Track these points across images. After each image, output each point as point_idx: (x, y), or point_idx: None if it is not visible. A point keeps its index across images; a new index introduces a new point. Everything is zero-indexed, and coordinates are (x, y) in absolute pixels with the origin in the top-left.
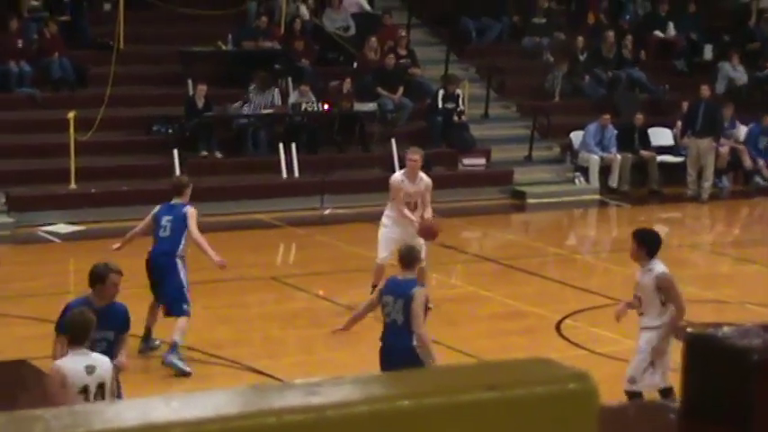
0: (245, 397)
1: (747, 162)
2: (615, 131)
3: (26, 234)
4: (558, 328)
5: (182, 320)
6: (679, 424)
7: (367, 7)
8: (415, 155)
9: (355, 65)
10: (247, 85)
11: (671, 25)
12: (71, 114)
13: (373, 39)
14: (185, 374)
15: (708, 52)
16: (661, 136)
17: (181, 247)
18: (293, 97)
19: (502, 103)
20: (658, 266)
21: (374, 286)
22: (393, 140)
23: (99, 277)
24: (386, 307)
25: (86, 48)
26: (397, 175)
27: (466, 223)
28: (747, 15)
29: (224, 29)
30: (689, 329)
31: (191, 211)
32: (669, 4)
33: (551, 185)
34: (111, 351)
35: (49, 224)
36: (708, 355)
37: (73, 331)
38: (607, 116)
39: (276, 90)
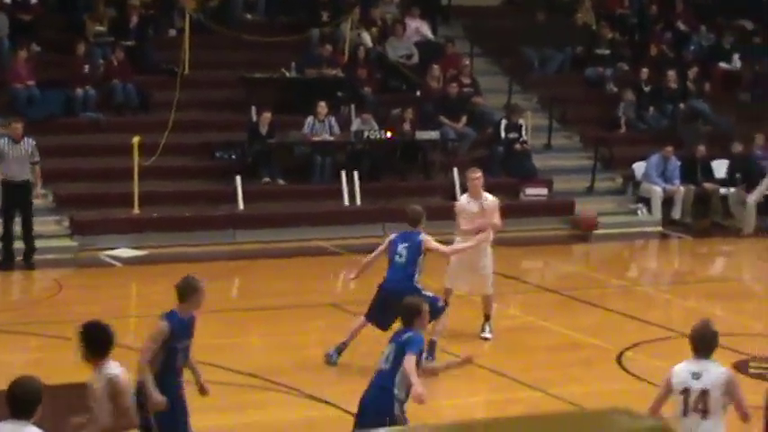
0: None
1: None
2: (678, 163)
3: (88, 258)
4: (618, 359)
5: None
6: None
7: (430, 36)
8: (476, 173)
9: (418, 93)
10: (311, 112)
11: (736, 57)
12: (135, 139)
13: (436, 67)
14: None
15: None
16: (723, 168)
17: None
18: (355, 125)
19: (564, 134)
20: None
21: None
22: (455, 169)
23: (193, 288)
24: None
25: (150, 73)
26: (461, 197)
27: (527, 253)
28: None
29: (288, 56)
30: None
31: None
32: (734, 36)
33: (613, 216)
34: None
35: (112, 248)
36: None
37: None
38: (670, 148)
39: (333, 118)
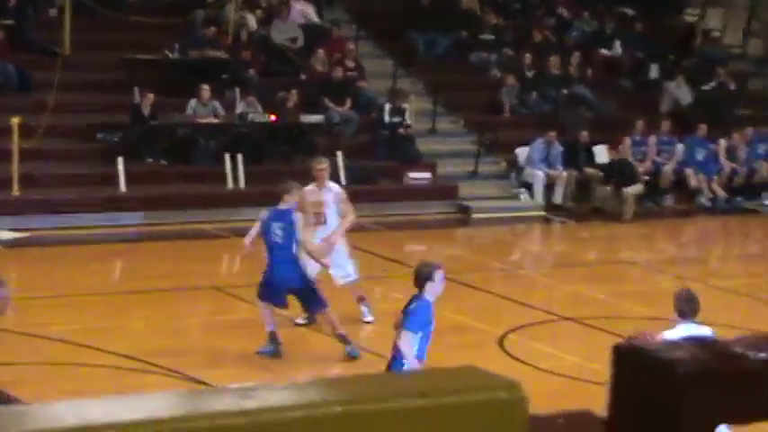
0: (180, 400)
1: (692, 181)
2: (561, 148)
3: None
4: (500, 342)
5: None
6: None
7: (315, 19)
8: (322, 163)
9: (303, 76)
10: (194, 94)
11: (617, 43)
12: (15, 120)
13: (321, 51)
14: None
15: (654, 71)
16: (605, 153)
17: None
18: (239, 107)
19: (449, 118)
20: None
21: None
22: (339, 153)
23: None
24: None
25: (31, 53)
26: (307, 187)
27: (410, 237)
28: (693, 35)
29: (171, 37)
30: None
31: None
32: (615, 23)
33: (496, 200)
34: None
35: None
36: (635, 366)
37: None
38: (553, 133)
39: (216, 102)
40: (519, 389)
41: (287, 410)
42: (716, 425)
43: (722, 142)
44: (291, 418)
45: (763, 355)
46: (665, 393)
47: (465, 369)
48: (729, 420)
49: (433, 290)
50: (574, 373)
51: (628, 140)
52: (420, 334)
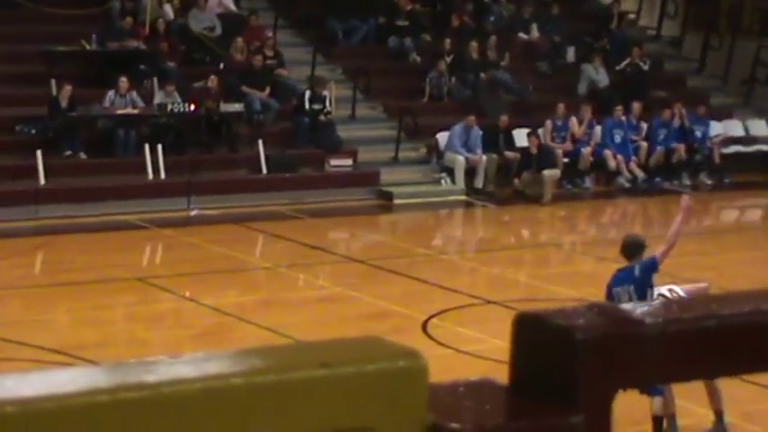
0: (81, 375)
1: (611, 163)
2: (480, 132)
3: None
4: (424, 327)
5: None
6: (507, 400)
7: (232, 8)
8: None
9: (222, 65)
10: (113, 86)
11: (534, 27)
12: None
13: (239, 39)
14: None
15: (571, 54)
16: (524, 137)
17: None
18: (158, 98)
19: (369, 104)
20: None
21: None
22: (260, 141)
23: None
24: None
25: None
26: None
27: (333, 224)
28: (609, 18)
29: (88, 28)
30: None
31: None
32: (533, 7)
33: (418, 186)
34: None
35: None
36: (534, 333)
37: None
38: (472, 117)
39: (135, 92)
40: (419, 357)
41: (187, 383)
42: (614, 391)
43: (639, 124)
44: (192, 390)
45: (660, 319)
46: (563, 360)
47: (367, 339)
48: (628, 386)
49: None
50: (499, 357)
51: (549, 124)
52: None
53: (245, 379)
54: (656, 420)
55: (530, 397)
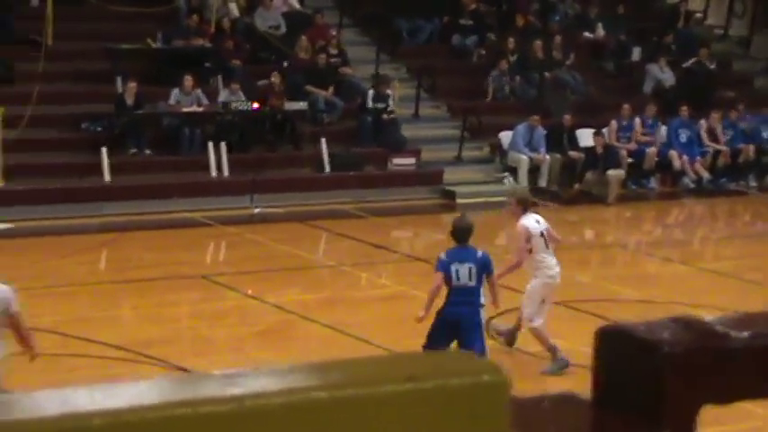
0: (165, 388)
1: (676, 163)
2: (544, 132)
3: None
4: (487, 327)
5: None
6: (590, 415)
7: (297, 6)
8: None
9: (286, 64)
10: (177, 84)
11: (600, 26)
12: None
13: (304, 38)
14: None
15: (636, 54)
16: (589, 137)
17: None
18: (223, 96)
19: (432, 103)
20: None
21: None
22: (323, 140)
23: None
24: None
25: (13, 43)
26: None
27: (396, 223)
28: (676, 17)
29: (154, 26)
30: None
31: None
32: (598, 6)
33: (481, 185)
34: None
35: None
36: (618, 347)
37: None
38: (536, 117)
39: (199, 90)
40: (501, 372)
41: (270, 397)
42: (698, 406)
43: (704, 124)
44: (276, 404)
45: (745, 334)
46: (648, 375)
47: (451, 353)
48: (713, 401)
49: None
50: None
51: (614, 123)
52: None
53: (329, 393)
54: None
55: (613, 412)
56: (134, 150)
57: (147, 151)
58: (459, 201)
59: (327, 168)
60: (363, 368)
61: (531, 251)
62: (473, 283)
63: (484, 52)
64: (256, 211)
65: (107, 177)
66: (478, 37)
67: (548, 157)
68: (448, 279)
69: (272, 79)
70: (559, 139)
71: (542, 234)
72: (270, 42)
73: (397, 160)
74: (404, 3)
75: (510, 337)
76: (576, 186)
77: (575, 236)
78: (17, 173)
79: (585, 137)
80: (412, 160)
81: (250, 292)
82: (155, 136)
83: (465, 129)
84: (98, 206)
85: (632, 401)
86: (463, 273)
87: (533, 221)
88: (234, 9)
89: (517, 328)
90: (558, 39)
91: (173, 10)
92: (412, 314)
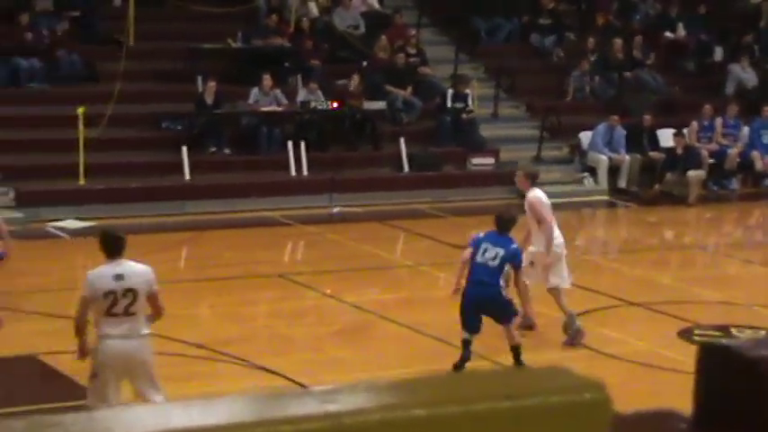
0: (263, 404)
1: (759, 164)
2: (624, 132)
3: (35, 229)
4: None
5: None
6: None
7: (377, 6)
8: None
9: (365, 63)
10: (257, 83)
11: (681, 26)
12: (80, 110)
13: (383, 37)
14: None
15: (718, 53)
16: (670, 137)
17: None
18: (302, 95)
19: (511, 103)
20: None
21: None
22: (402, 139)
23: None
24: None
25: (96, 43)
26: None
27: (475, 223)
28: (758, 16)
29: (234, 26)
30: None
31: None
32: (680, 5)
33: (560, 185)
34: None
35: (59, 220)
36: (720, 364)
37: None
38: (616, 117)
39: (279, 90)
40: (603, 389)
41: (370, 413)
42: None
43: None
44: (374, 421)
45: None
46: (750, 392)
47: (550, 369)
48: None
49: None
50: (641, 359)
51: (695, 124)
52: None
53: (428, 410)
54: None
55: (715, 429)
56: (213, 149)
57: (227, 150)
58: None
59: (406, 168)
60: (461, 385)
61: (539, 222)
62: (495, 264)
63: (562, 54)
64: (335, 210)
65: (187, 176)
66: (557, 36)
67: (627, 157)
68: (474, 255)
69: (351, 81)
70: (639, 140)
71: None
72: (349, 42)
73: (475, 160)
74: (482, 2)
75: (527, 322)
76: (656, 187)
77: (654, 237)
78: (98, 172)
79: (666, 137)
80: (491, 160)
81: (328, 291)
82: (234, 135)
83: (544, 128)
84: (178, 205)
85: (734, 419)
86: (490, 254)
87: (543, 193)
88: (313, 8)
89: (527, 311)
90: (638, 38)
91: (252, 10)
92: None
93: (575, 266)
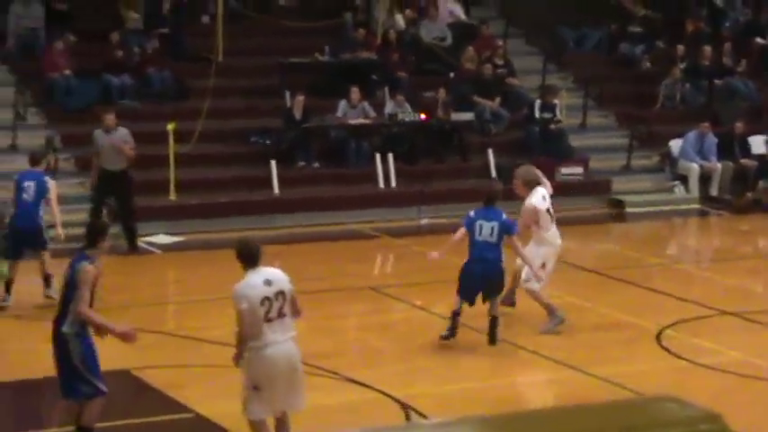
0: None
1: None
2: (715, 140)
3: (127, 245)
4: (658, 338)
5: None
6: None
7: (463, 17)
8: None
9: (452, 75)
10: (345, 96)
11: None
12: (170, 126)
13: (470, 48)
14: None
15: None
16: (762, 144)
17: None
18: (389, 107)
19: (600, 113)
20: None
21: None
22: (490, 150)
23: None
24: None
25: (185, 60)
26: None
27: (564, 232)
28: None
29: (321, 40)
30: None
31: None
32: None
33: (651, 194)
34: None
35: (150, 235)
36: None
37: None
38: (707, 124)
39: (366, 103)
40: (720, 420)
41: None
42: None
43: None
44: None
45: None
46: None
47: (665, 400)
48: None
49: None
50: (737, 370)
51: None
52: None
53: None
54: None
55: None
56: (302, 163)
57: (316, 164)
58: (628, 210)
59: (495, 178)
60: (578, 419)
61: (539, 226)
62: (494, 240)
63: (649, 64)
64: (424, 222)
65: (276, 190)
66: (646, 45)
67: (719, 165)
68: (471, 234)
69: (438, 92)
70: (730, 147)
71: (548, 210)
72: (436, 54)
73: (565, 170)
74: (570, 11)
75: (509, 299)
76: (749, 195)
77: (747, 245)
78: (188, 187)
79: (758, 144)
80: (580, 170)
81: (418, 303)
82: (322, 148)
83: (633, 137)
84: (268, 219)
85: None
86: (486, 230)
87: (540, 199)
88: (400, 21)
89: (513, 288)
90: (728, 45)
91: (339, 24)
92: (583, 326)
93: (667, 276)
